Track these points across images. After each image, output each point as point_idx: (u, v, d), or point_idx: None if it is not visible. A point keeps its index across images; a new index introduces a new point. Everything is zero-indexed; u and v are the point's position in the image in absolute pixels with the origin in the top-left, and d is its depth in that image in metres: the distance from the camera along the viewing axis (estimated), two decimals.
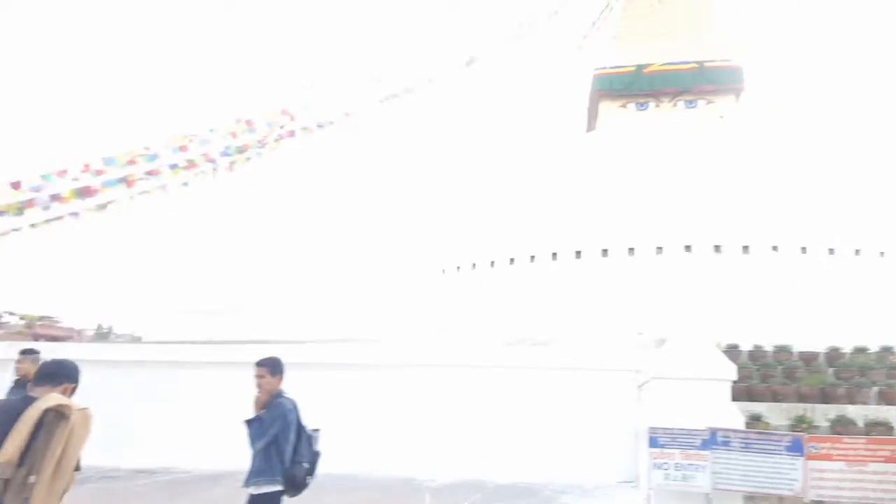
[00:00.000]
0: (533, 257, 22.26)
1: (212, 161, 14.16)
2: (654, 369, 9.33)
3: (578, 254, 21.59)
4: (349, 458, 11.00)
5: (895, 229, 20.43)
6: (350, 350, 12.57)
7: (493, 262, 22.95)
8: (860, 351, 10.86)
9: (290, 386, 10.82)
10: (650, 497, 8.13)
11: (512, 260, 22.60)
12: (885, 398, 9.69)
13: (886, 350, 10.77)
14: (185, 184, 14.17)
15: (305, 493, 5.28)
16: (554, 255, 21.98)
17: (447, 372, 11.63)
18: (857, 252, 19.58)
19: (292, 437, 5.14)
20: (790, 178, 21.77)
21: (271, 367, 5.35)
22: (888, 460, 7.52)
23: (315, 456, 5.30)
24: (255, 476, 5.04)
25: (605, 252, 21.30)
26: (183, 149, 13.57)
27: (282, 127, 15.11)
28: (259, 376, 5.30)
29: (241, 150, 14.64)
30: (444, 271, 24.22)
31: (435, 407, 11.37)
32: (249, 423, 5.17)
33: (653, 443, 8.25)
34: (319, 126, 16.05)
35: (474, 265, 23.37)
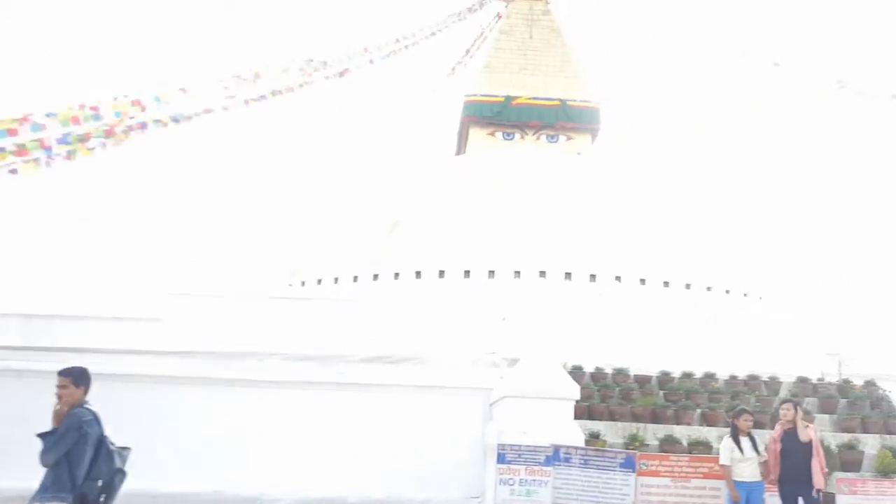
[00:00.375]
0: (397, 275, 22.26)
1: (47, 148, 12.79)
2: (504, 388, 9.57)
3: (441, 273, 21.90)
4: (194, 476, 10.37)
5: (725, 267, 22.69)
6: (195, 364, 11.80)
7: (356, 278, 22.68)
8: (687, 376, 11.83)
9: (122, 401, 10.03)
10: None
11: (376, 276, 22.47)
12: (706, 420, 10.60)
13: (709, 376, 11.82)
14: (13, 171, 12.67)
15: None
16: (417, 273, 22.13)
17: (302, 389, 11.27)
18: (688, 286, 21.50)
19: (89, 451, 4.68)
20: (631, 215, 23.54)
21: (75, 378, 4.87)
22: (706, 476, 8.22)
23: (116, 474, 4.85)
24: (41, 492, 4.58)
25: (466, 273, 21.78)
26: (12, 132, 12.13)
27: (132, 118, 13.98)
28: (60, 386, 4.79)
29: (82, 139, 13.35)
30: (303, 283, 23.59)
31: (288, 425, 10.99)
32: (43, 436, 4.64)
33: (500, 459, 8.44)
34: (175, 120, 15.06)
35: (336, 279, 22.97)
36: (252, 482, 10.36)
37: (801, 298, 24.79)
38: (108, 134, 13.63)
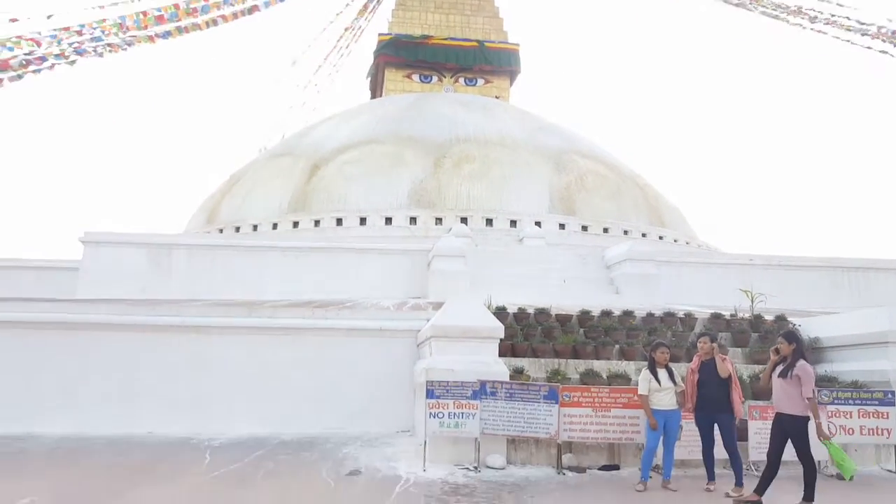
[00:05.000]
0: (317, 222, 21.90)
1: None
2: (431, 329, 9.70)
3: (363, 220, 21.70)
4: (127, 420, 10.31)
5: (641, 210, 23.59)
6: (121, 310, 11.42)
7: (275, 225, 22.14)
8: (606, 314, 12.31)
9: (51, 349, 9.83)
10: (426, 443, 8.48)
11: (296, 223, 22.00)
12: (624, 355, 11.11)
13: (627, 314, 12.35)
14: None
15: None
16: (339, 220, 21.83)
17: (230, 335, 11.12)
18: (606, 230, 22.25)
19: None
20: (551, 162, 23.96)
21: None
22: (626, 406, 8.67)
23: None
24: None
25: (388, 220, 21.68)
26: None
27: (28, 53, 12.73)
28: None
29: None
30: (221, 230, 22.81)
31: (220, 369, 10.93)
32: None
33: (429, 395, 8.59)
34: (78, 53, 13.87)
35: (255, 227, 22.34)
36: (185, 424, 10.29)
37: (714, 238, 26.32)
38: (2, 67, 12.43)
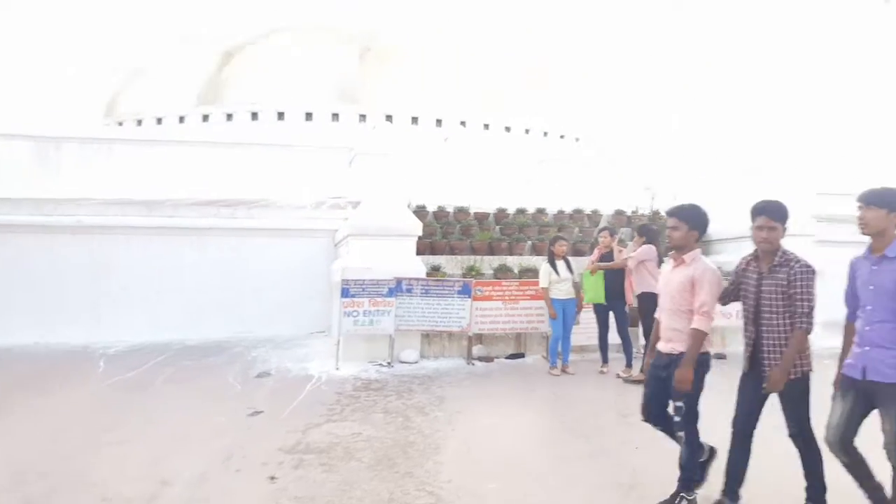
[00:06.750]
0: (230, 116, 20.90)
1: None
2: (349, 228, 9.66)
3: (281, 115, 20.89)
4: (5, 329, 9.76)
5: (559, 115, 23.68)
6: (12, 208, 10.71)
7: (182, 118, 21.00)
8: (521, 212, 12.62)
9: None
10: (339, 342, 8.65)
11: (206, 117, 20.93)
12: (536, 250, 11.53)
13: (540, 212, 12.71)
14: None
15: None
16: (254, 115, 20.93)
17: (128, 235, 10.66)
18: (527, 132, 22.36)
19: None
20: (475, 64, 23.48)
21: None
22: (533, 298, 9.09)
23: None
24: None
25: (308, 116, 20.94)
26: None
27: None
28: None
29: None
30: (121, 124, 21.48)
31: (118, 272, 10.50)
32: None
33: (344, 293, 8.68)
34: None
35: (160, 120, 21.13)
36: (78, 332, 9.96)
37: (623, 142, 26.91)
38: None
